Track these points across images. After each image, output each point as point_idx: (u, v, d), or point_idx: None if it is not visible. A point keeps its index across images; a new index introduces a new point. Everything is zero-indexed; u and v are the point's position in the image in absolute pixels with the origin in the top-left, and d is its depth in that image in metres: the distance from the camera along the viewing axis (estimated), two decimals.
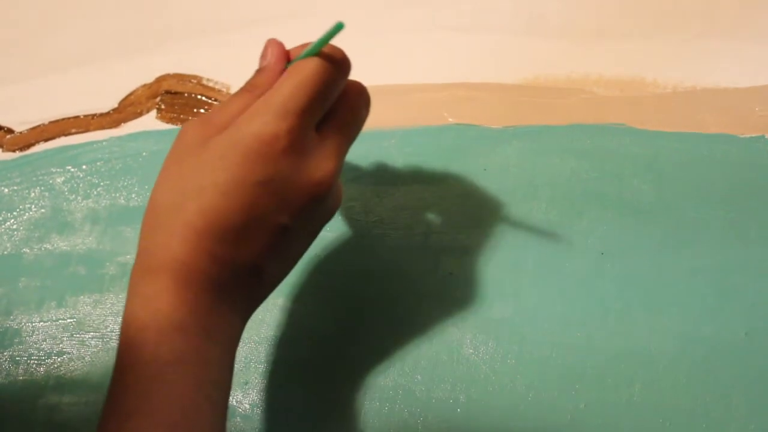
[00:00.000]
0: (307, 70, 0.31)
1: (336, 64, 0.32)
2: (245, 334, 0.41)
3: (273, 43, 0.34)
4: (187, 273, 0.29)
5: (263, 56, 0.34)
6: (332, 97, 0.32)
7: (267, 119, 0.30)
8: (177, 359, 0.28)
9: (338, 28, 0.30)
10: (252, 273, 0.31)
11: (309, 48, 0.32)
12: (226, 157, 0.30)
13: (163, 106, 0.49)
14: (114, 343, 0.43)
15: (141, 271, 0.31)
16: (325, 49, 0.32)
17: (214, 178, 0.30)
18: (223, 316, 0.31)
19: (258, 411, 0.40)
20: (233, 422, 0.40)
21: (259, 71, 0.34)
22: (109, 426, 0.28)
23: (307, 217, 0.32)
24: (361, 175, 0.44)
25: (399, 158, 0.44)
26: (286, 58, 0.34)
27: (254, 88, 0.33)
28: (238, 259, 0.30)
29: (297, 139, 0.30)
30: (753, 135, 0.42)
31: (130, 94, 0.50)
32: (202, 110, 0.48)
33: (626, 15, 0.46)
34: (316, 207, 0.32)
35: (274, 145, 0.30)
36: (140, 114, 0.49)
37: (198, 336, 0.29)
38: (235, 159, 0.30)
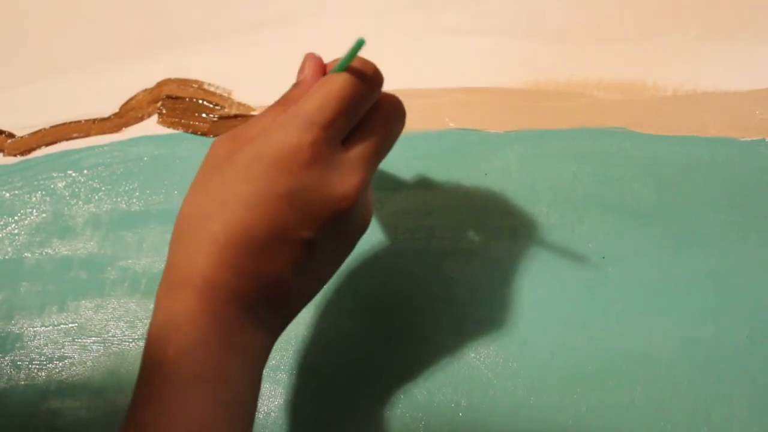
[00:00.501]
0: (336, 83, 0.31)
1: (365, 78, 0.32)
2: None
3: (311, 57, 0.34)
4: (210, 287, 0.29)
5: (301, 70, 0.34)
6: (361, 111, 0.32)
7: (291, 130, 0.30)
8: (197, 376, 0.28)
9: (360, 44, 0.30)
10: (277, 288, 0.31)
11: (339, 62, 0.32)
12: (250, 169, 0.30)
13: (164, 111, 0.49)
14: (115, 348, 0.43)
15: (166, 284, 0.30)
16: (356, 64, 0.31)
17: (238, 191, 0.30)
18: (247, 331, 0.30)
19: (259, 415, 0.40)
20: None
21: (295, 85, 0.34)
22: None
23: (332, 233, 0.31)
24: None
25: (400, 163, 0.44)
26: (323, 72, 0.34)
27: (288, 101, 0.33)
28: (262, 273, 0.30)
29: (321, 152, 0.30)
30: (753, 138, 0.42)
31: (132, 99, 0.50)
32: (203, 115, 0.48)
33: (626, 18, 0.47)
34: (341, 222, 0.31)
35: (297, 157, 0.30)
36: (141, 118, 0.49)
37: (220, 352, 0.29)
38: (257, 171, 0.30)
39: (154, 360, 0.29)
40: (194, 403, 0.28)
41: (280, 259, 0.30)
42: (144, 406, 0.28)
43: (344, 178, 0.31)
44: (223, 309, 0.29)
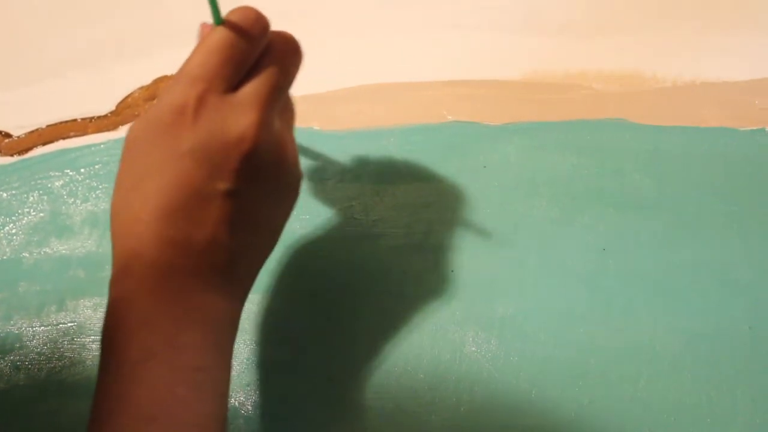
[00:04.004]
0: (213, 37, 0.31)
1: (246, 25, 0.31)
2: (246, 336, 0.41)
3: (202, 27, 0.34)
4: (145, 267, 0.30)
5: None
6: (248, 57, 0.32)
7: (175, 90, 0.30)
8: (148, 354, 0.28)
9: None
10: (214, 248, 0.31)
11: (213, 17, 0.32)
12: (148, 140, 0.30)
13: None
14: None
15: (113, 274, 0.31)
16: (237, 14, 0.31)
17: (145, 165, 0.30)
18: (195, 298, 0.30)
19: (261, 412, 0.40)
20: (236, 424, 0.40)
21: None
22: (93, 426, 0.28)
23: (250, 177, 0.31)
24: (360, 174, 0.44)
25: (399, 156, 0.44)
26: None
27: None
28: (193, 238, 0.30)
29: (210, 102, 0.30)
30: (753, 128, 0.42)
31: (128, 97, 0.50)
32: None
33: (624, 10, 0.46)
34: (253, 164, 0.31)
35: (187, 113, 0.30)
36: (138, 116, 0.49)
37: (167, 326, 0.29)
38: (155, 138, 0.30)
39: (109, 346, 0.29)
40: (149, 376, 0.28)
41: (207, 219, 0.30)
42: (104, 392, 0.29)
43: (239, 119, 0.30)
44: (165, 283, 0.30)
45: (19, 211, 0.47)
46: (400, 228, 0.42)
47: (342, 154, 0.45)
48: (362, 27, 0.48)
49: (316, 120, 0.46)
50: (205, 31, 0.33)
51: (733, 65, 0.44)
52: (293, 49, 0.34)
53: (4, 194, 0.48)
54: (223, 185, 0.30)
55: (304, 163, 0.45)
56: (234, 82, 0.31)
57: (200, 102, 0.30)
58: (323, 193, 0.44)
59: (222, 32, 0.31)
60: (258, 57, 0.32)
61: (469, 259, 0.41)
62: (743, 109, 0.43)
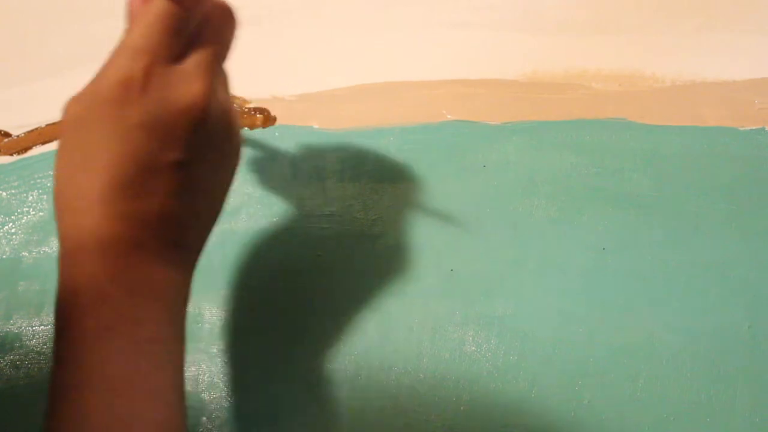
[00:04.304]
0: (153, 8, 0.31)
1: None
2: (244, 336, 0.41)
3: (128, 1, 0.33)
4: (98, 243, 0.30)
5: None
6: (186, 26, 0.32)
7: (120, 63, 0.30)
8: (104, 328, 0.29)
9: None
10: (166, 220, 0.31)
11: None
12: (92, 114, 0.30)
13: None
14: None
15: (62, 254, 0.31)
16: None
17: (92, 141, 0.30)
18: (150, 272, 0.30)
19: (260, 412, 0.40)
20: (233, 425, 0.40)
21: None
22: (54, 400, 0.29)
23: (199, 146, 0.31)
24: (360, 173, 0.44)
25: (398, 156, 0.44)
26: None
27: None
28: (145, 211, 0.30)
29: (155, 73, 0.30)
30: (753, 127, 0.42)
31: None
32: None
33: (624, 9, 0.46)
34: (202, 132, 0.31)
35: (133, 86, 0.30)
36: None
37: (122, 300, 0.29)
38: (101, 113, 0.30)
39: (65, 321, 0.29)
40: (107, 351, 0.28)
41: (158, 190, 0.30)
42: (62, 369, 0.29)
43: (187, 88, 0.30)
44: (115, 258, 0.30)
45: (19, 211, 0.47)
46: (400, 227, 0.42)
47: (341, 153, 0.45)
48: (361, 26, 0.48)
49: (315, 119, 0.46)
50: (133, 4, 0.33)
51: (732, 64, 0.44)
52: (229, 16, 0.34)
53: (4, 193, 0.48)
54: (173, 155, 0.30)
55: (302, 162, 0.45)
56: (176, 52, 0.31)
57: (147, 74, 0.30)
58: (322, 193, 0.44)
59: (161, 3, 0.31)
60: (196, 25, 0.32)
61: (468, 258, 0.41)
62: (743, 109, 0.43)
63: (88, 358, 0.28)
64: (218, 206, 0.34)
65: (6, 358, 0.43)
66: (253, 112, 0.44)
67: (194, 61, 0.31)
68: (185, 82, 0.31)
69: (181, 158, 0.30)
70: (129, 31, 0.31)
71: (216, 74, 0.32)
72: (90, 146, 0.30)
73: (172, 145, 0.30)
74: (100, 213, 0.30)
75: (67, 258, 0.31)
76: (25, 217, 0.47)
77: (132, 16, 0.32)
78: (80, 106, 0.31)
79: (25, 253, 0.46)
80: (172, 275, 0.31)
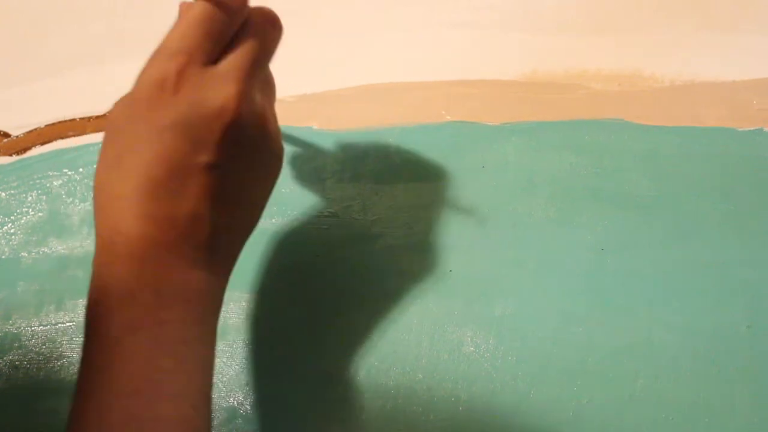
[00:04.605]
0: (192, 10, 0.31)
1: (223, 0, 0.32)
2: (244, 336, 0.41)
3: (180, 5, 0.34)
4: (128, 242, 0.30)
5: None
6: (227, 30, 0.32)
7: (155, 65, 0.30)
8: (130, 327, 0.29)
9: None
10: (196, 223, 0.31)
11: None
12: (128, 115, 0.30)
13: None
14: None
15: (97, 253, 0.31)
16: None
17: (126, 141, 0.30)
18: (176, 273, 0.30)
19: (259, 412, 0.40)
20: (234, 424, 0.40)
21: None
22: (78, 400, 0.29)
23: (232, 150, 0.31)
24: (359, 173, 0.44)
25: (397, 156, 0.44)
26: None
27: None
28: (176, 213, 0.30)
29: (190, 75, 0.30)
30: (751, 128, 0.42)
31: None
32: None
33: (623, 9, 0.46)
34: (235, 136, 0.31)
35: (166, 87, 0.30)
36: None
37: (150, 300, 0.29)
38: (135, 114, 0.30)
39: (92, 320, 0.30)
40: (133, 354, 0.29)
41: (189, 194, 0.30)
42: (88, 368, 0.29)
43: (220, 91, 0.30)
44: (147, 258, 0.30)
45: (18, 211, 0.47)
46: (399, 228, 0.42)
47: (340, 153, 0.45)
48: (361, 27, 0.48)
49: (314, 120, 0.46)
50: (182, 6, 0.33)
51: (731, 65, 0.44)
52: (272, 22, 0.34)
53: (3, 194, 0.48)
54: (205, 158, 0.30)
55: (302, 163, 0.45)
56: (214, 56, 0.31)
57: (180, 75, 0.30)
58: (322, 193, 0.44)
59: (201, 6, 0.31)
60: (237, 31, 0.32)
61: (467, 258, 0.41)
62: (741, 109, 0.43)
63: (111, 358, 0.29)
64: (253, 214, 0.34)
65: (5, 358, 0.43)
66: None
67: (230, 64, 0.31)
68: (219, 85, 0.30)
69: (213, 161, 0.30)
70: (170, 32, 0.31)
71: (253, 79, 0.32)
72: (124, 146, 0.30)
73: (203, 147, 0.30)
74: (130, 213, 0.30)
75: (99, 257, 0.31)
76: (24, 218, 0.47)
77: (179, 18, 0.33)
78: (120, 107, 0.31)
79: (24, 254, 0.46)
80: (201, 278, 0.31)
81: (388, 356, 0.40)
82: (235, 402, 0.40)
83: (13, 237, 0.47)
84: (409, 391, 0.39)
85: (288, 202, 0.44)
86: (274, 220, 0.44)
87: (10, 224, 0.47)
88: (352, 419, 0.39)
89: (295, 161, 0.45)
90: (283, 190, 0.44)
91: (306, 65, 0.47)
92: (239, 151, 0.31)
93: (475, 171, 0.43)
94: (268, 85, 0.34)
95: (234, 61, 0.31)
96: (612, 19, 0.46)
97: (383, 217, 0.43)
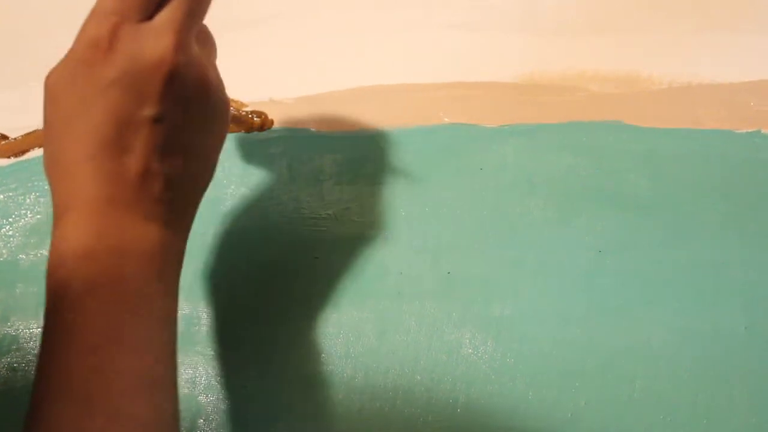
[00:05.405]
0: None
1: None
2: (244, 336, 0.41)
3: None
4: (83, 204, 0.30)
5: None
6: None
7: (89, 27, 0.31)
8: (91, 285, 0.29)
9: None
10: (148, 176, 0.31)
11: None
12: (68, 79, 0.31)
13: None
14: None
15: (54, 220, 0.31)
16: None
17: (71, 106, 0.31)
18: (134, 229, 0.31)
19: (257, 412, 0.40)
20: (230, 427, 0.40)
21: None
22: (41, 360, 0.29)
23: (175, 101, 0.31)
24: (357, 176, 0.44)
25: (395, 158, 0.44)
26: None
27: None
28: (129, 167, 0.31)
29: (125, 33, 0.30)
30: (749, 130, 0.42)
31: None
32: None
33: (621, 11, 0.46)
34: (177, 86, 0.31)
35: (101, 46, 0.30)
36: None
37: (107, 257, 0.30)
38: (75, 77, 0.31)
39: (52, 284, 0.30)
40: (92, 307, 0.29)
41: (139, 147, 0.31)
42: (51, 329, 0.29)
43: (156, 43, 0.31)
44: (103, 217, 0.30)
45: (16, 213, 0.47)
46: (397, 230, 0.42)
47: (339, 155, 0.45)
48: (358, 29, 0.48)
49: (312, 122, 0.46)
50: None
51: (729, 67, 0.44)
52: None
53: (1, 196, 0.48)
54: (150, 111, 0.31)
55: (300, 164, 0.45)
56: (149, 12, 0.32)
57: (115, 33, 0.30)
58: (319, 195, 0.44)
59: None
60: None
61: (465, 260, 0.41)
62: (739, 111, 0.43)
63: (72, 317, 0.29)
64: (204, 167, 0.34)
65: (3, 360, 0.43)
66: (250, 115, 0.44)
67: (165, 17, 0.32)
68: (155, 37, 0.31)
69: (158, 113, 0.31)
70: None
71: (188, 31, 0.32)
72: (69, 111, 0.31)
73: (146, 99, 0.31)
74: (83, 173, 0.30)
75: (56, 222, 0.31)
76: (22, 220, 0.47)
77: None
78: (57, 73, 0.32)
79: (23, 256, 0.46)
80: (160, 233, 0.32)
81: (386, 357, 0.40)
82: (231, 403, 0.40)
83: (11, 239, 0.47)
84: (407, 392, 0.39)
85: (286, 205, 0.44)
86: (272, 223, 0.44)
87: (8, 226, 0.47)
88: (351, 421, 0.39)
89: (293, 163, 0.45)
90: (281, 193, 0.44)
91: (304, 67, 0.47)
92: (182, 101, 0.32)
93: (473, 173, 0.43)
94: (207, 43, 0.35)
95: (168, 14, 0.32)
96: (610, 21, 0.46)
97: (381, 219, 0.43)
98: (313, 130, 0.46)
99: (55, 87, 0.32)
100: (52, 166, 0.32)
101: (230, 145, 0.45)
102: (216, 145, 0.35)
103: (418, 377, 0.39)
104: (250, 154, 0.45)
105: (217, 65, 0.35)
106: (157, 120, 0.31)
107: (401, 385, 0.39)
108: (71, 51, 0.31)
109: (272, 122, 0.45)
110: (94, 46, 0.30)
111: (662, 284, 0.39)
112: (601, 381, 0.38)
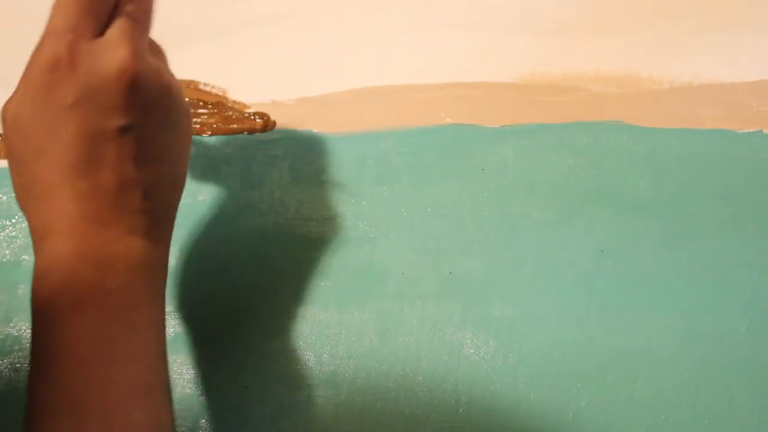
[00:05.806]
0: None
1: None
2: (244, 337, 0.41)
3: None
4: (64, 225, 0.30)
5: None
6: (105, 3, 0.32)
7: (45, 47, 0.31)
8: (76, 301, 0.30)
9: None
10: (124, 188, 0.31)
11: None
12: (30, 106, 0.31)
13: None
14: None
15: (35, 245, 0.32)
16: None
17: (38, 132, 0.31)
18: (117, 244, 0.31)
19: (258, 413, 0.40)
20: (231, 427, 0.40)
21: None
22: (33, 375, 0.30)
23: (140, 109, 0.31)
24: (358, 176, 0.44)
25: (396, 159, 0.44)
26: None
27: None
28: (103, 182, 0.31)
29: (81, 50, 0.31)
30: (750, 130, 0.42)
31: None
32: (200, 111, 0.48)
33: (621, 11, 0.46)
34: (139, 96, 0.31)
35: (61, 67, 0.30)
36: None
37: (91, 274, 0.30)
38: (37, 102, 0.31)
39: (38, 305, 0.30)
40: (79, 324, 0.29)
41: (111, 160, 0.31)
42: (39, 343, 0.30)
43: (113, 55, 0.31)
44: (85, 235, 0.30)
45: (19, 214, 0.47)
46: (398, 230, 0.42)
47: (340, 156, 0.45)
48: (359, 30, 0.48)
49: (313, 123, 0.46)
50: None
51: (730, 67, 0.44)
52: None
53: (4, 197, 0.48)
54: (117, 121, 0.31)
55: (301, 166, 0.45)
56: (99, 29, 0.32)
57: (72, 52, 0.30)
58: (320, 196, 0.44)
59: None
60: (116, 2, 0.33)
61: (467, 260, 0.41)
62: (741, 111, 0.43)
63: (60, 333, 0.29)
64: (179, 171, 0.34)
65: (5, 360, 0.43)
66: (252, 117, 0.44)
67: (115, 31, 0.32)
68: (111, 50, 0.31)
69: (125, 122, 0.31)
70: (51, 16, 0.32)
71: (141, 40, 0.32)
72: (36, 139, 0.31)
73: (112, 111, 0.31)
74: (60, 195, 0.31)
75: (37, 246, 0.31)
76: (24, 221, 0.47)
77: (55, 1, 0.33)
78: (15, 107, 0.32)
79: (26, 257, 0.46)
80: (142, 244, 0.32)
81: (388, 358, 0.40)
82: (233, 402, 0.40)
83: (14, 240, 0.47)
84: (409, 393, 0.39)
85: (287, 206, 0.44)
86: (273, 223, 0.44)
87: (11, 227, 0.47)
88: (352, 421, 0.39)
89: (295, 164, 0.45)
90: (283, 194, 0.44)
91: (305, 68, 0.48)
92: (147, 107, 0.32)
93: (474, 173, 0.43)
94: (156, 48, 0.35)
95: (118, 28, 0.32)
96: (611, 21, 0.46)
97: (383, 220, 0.43)
98: (314, 131, 0.46)
99: (17, 119, 0.32)
100: (25, 196, 0.32)
101: (231, 147, 0.45)
102: (185, 147, 0.35)
103: (420, 378, 0.39)
104: (251, 155, 0.45)
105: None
106: (125, 129, 0.31)
107: (403, 385, 0.39)
108: (26, 78, 0.31)
109: (275, 123, 0.45)
110: (53, 69, 0.30)
111: (663, 285, 0.39)
112: (602, 382, 0.38)
